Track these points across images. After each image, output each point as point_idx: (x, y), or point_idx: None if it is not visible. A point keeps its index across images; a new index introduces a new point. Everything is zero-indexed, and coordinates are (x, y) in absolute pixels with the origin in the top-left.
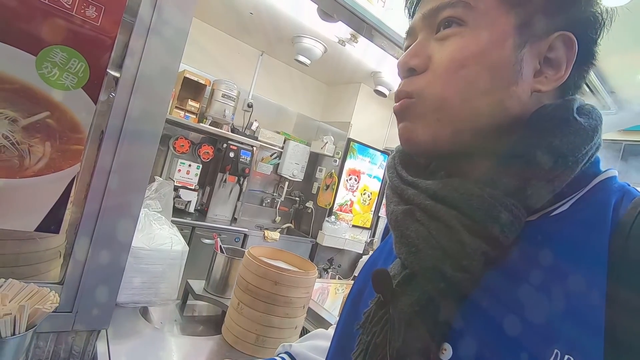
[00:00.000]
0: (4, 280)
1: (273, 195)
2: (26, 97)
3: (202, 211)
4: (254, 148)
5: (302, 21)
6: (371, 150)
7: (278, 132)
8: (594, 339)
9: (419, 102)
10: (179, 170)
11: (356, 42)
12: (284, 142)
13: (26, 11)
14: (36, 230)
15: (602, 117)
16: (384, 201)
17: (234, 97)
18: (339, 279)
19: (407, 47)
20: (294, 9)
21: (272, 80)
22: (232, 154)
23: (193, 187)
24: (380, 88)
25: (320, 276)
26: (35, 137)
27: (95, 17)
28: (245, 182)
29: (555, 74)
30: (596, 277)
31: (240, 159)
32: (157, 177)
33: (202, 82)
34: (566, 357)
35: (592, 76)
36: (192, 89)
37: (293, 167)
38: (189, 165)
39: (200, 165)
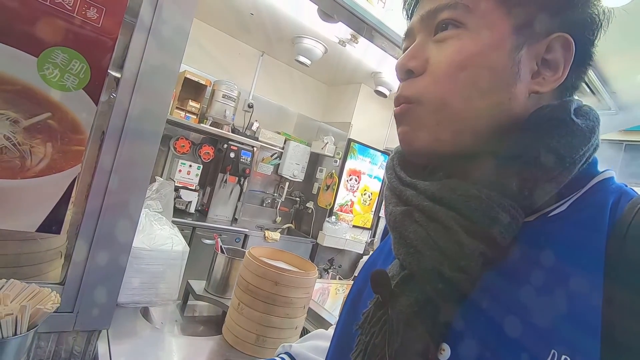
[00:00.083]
0: (5, 280)
1: (273, 195)
2: (27, 98)
3: (202, 211)
4: (255, 148)
5: (303, 22)
6: (372, 151)
7: (278, 133)
8: (591, 339)
9: (418, 107)
10: (180, 171)
11: (356, 43)
12: (285, 143)
13: (27, 13)
14: (37, 230)
15: (600, 118)
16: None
17: (235, 97)
18: (340, 279)
19: (406, 49)
20: (295, 10)
21: (272, 80)
22: (232, 155)
23: (194, 188)
24: (380, 88)
25: (321, 276)
26: (36, 138)
27: (97, 18)
28: (246, 183)
29: (552, 75)
30: (593, 277)
31: (241, 160)
32: (157, 178)
33: (203, 82)
34: (563, 357)
35: (593, 77)
36: (192, 89)
37: (293, 168)
38: (190, 166)
39: (201, 166)
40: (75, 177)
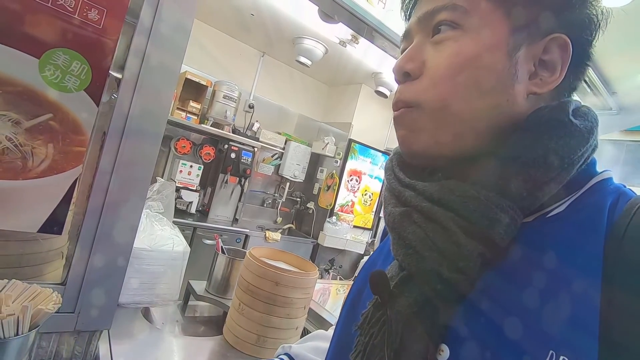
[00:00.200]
0: (7, 281)
1: (274, 196)
2: (29, 99)
3: (203, 212)
4: (255, 149)
5: (303, 22)
6: (372, 151)
7: (279, 133)
8: (588, 340)
9: (417, 111)
10: (181, 171)
11: (357, 43)
12: (285, 143)
13: (29, 14)
14: (39, 231)
15: (599, 119)
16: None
17: (235, 98)
18: (340, 279)
19: (404, 50)
20: (295, 10)
21: (273, 81)
22: (233, 155)
23: (194, 188)
24: (381, 89)
25: (322, 277)
26: (38, 139)
27: (98, 19)
28: (247, 183)
29: (550, 76)
30: (591, 278)
31: (242, 160)
32: (158, 178)
33: (204, 83)
34: (561, 357)
35: (593, 77)
36: (193, 90)
37: (294, 168)
38: (191, 166)
39: (202, 166)
40: (77, 177)
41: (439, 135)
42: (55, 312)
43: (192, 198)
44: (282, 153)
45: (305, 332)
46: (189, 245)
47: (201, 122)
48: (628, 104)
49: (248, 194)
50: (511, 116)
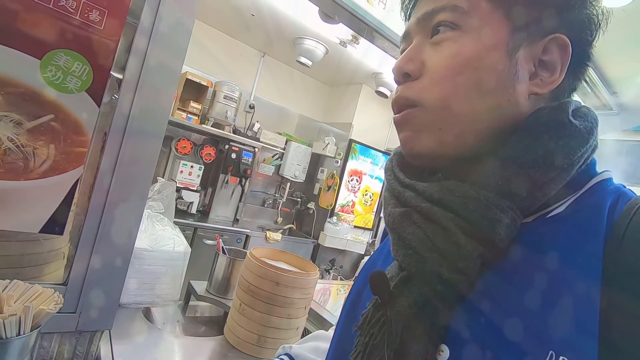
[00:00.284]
0: (8, 281)
1: (275, 196)
2: (31, 100)
3: (204, 212)
4: (256, 149)
5: (304, 23)
6: (373, 151)
7: (280, 133)
8: (588, 340)
9: (419, 110)
10: (181, 172)
11: (357, 44)
12: (286, 143)
13: (31, 15)
14: (40, 231)
15: (598, 119)
16: (383, 203)
17: (236, 98)
18: (341, 279)
19: (403, 51)
20: (296, 11)
21: (273, 81)
22: (234, 155)
23: (195, 188)
24: (381, 89)
25: (322, 277)
26: (39, 140)
27: (99, 20)
28: (247, 183)
29: (550, 76)
30: (591, 278)
31: (242, 160)
32: (159, 178)
33: (204, 83)
34: (561, 358)
35: (594, 77)
36: (194, 90)
37: (295, 168)
38: (191, 167)
39: (202, 167)
40: (78, 178)
41: (441, 136)
42: (57, 313)
43: (193, 198)
44: (283, 153)
45: (306, 332)
46: (190, 246)
47: (202, 122)
48: (629, 103)
49: (249, 194)
50: (512, 116)
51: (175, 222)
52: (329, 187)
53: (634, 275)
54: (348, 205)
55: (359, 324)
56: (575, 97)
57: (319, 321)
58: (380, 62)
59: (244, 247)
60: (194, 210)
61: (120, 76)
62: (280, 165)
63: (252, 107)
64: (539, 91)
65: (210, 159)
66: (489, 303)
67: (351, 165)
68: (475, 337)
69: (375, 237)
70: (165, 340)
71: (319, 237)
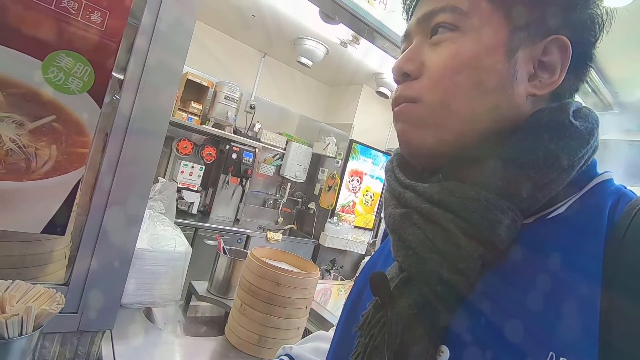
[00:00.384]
0: (10, 281)
1: (275, 196)
2: (33, 101)
3: (204, 212)
4: (257, 149)
5: (304, 23)
6: (373, 152)
7: (280, 134)
8: (588, 341)
9: (418, 105)
10: (182, 172)
11: (358, 44)
12: (286, 144)
13: (32, 17)
14: (42, 232)
15: (599, 120)
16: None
17: (237, 98)
18: (342, 280)
19: (404, 51)
20: (296, 11)
21: (274, 81)
22: (234, 156)
23: (196, 189)
24: (382, 89)
25: (323, 277)
26: (41, 141)
27: (100, 22)
28: (248, 184)
29: (549, 77)
30: (591, 279)
31: (243, 161)
32: (160, 179)
33: (205, 84)
34: (561, 359)
35: (595, 77)
36: (194, 90)
37: (295, 169)
38: (192, 167)
39: (203, 167)
40: (79, 178)
41: (438, 133)
42: (59, 313)
43: (194, 198)
44: (283, 153)
45: (306, 332)
46: (190, 246)
47: (202, 122)
48: (629, 103)
49: (249, 194)
50: (511, 117)
51: (176, 223)
52: (330, 188)
53: (635, 276)
54: (348, 205)
55: (359, 325)
56: (576, 97)
57: (320, 321)
58: (381, 63)
59: (244, 248)
60: (194, 210)
61: (121, 77)
62: (280, 165)
63: (252, 107)
64: (538, 92)
65: (210, 159)
66: (489, 304)
67: (352, 165)
68: (476, 338)
69: (375, 237)
70: (166, 340)
71: (320, 237)
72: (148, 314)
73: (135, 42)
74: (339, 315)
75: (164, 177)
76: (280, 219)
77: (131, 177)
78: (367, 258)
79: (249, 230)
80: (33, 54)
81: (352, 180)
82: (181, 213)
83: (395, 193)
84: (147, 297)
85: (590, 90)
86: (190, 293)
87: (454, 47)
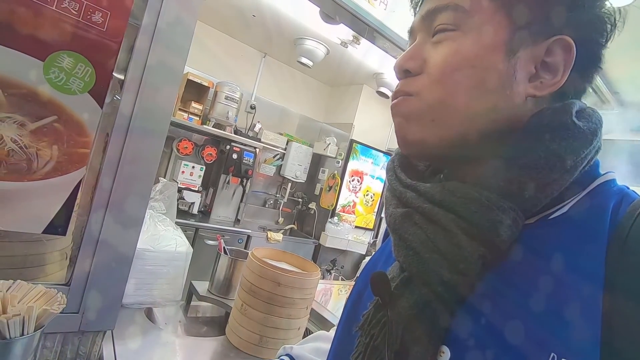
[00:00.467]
0: (12, 281)
1: (276, 196)
2: (34, 101)
3: (205, 212)
4: (257, 149)
5: (305, 23)
6: (374, 152)
7: (281, 134)
8: (590, 343)
9: (416, 100)
10: (183, 172)
11: (358, 44)
12: (287, 144)
13: (34, 18)
14: (44, 232)
15: (603, 120)
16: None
17: (237, 99)
18: (342, 280)
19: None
20: (296, 11)
21: (274, 81)
22: (235, 156)
23: (196, 189)
24: (382, 89)
25: (323, 277)
26: (42, 141)
27: (101, 22)
28: (248, 184)
29: (552, 78)
30: (593, 280)
31: (243, 161)
32: (161, 179)
33: (205, 84)
34: (562, 359)
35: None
36: (195, 91)
37: (296, 169)
38: (193, 167)
39: (204, 167)
40: (81, 179)
41: (434, 128)
42: (60, 313)
43: (194, 199)
44: (284, 154)
45: (307, 332)
46: (191, 246)
47: (203, 123)
48: (630, 103)
49: (250, 194)
50: (509, 118)
51: (176, 223)
52: (330, 188)
53: (637, 277)
54: (349, 205)
55: (359, 325)
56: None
57: (321, 321)
58: (381, 63)
59: (245, 248)
60: (195, 210)
61: (121, 77)
62: (281, 165)
63: (253, 107)
64: (538, 93)
65: (211, 160)
66: (490, 304)
67: (352, 165)
68: (476, 338)
69: (376, 237)
70: (167, 340)
71: (320, 237)
72: (149, 314)
73: (136, 42)
74: (340, 315)
75: (164, 178)
76: (281, 219)
77: (132, 177)
78: (367, 258)
79: (250, 231)
80: (34, 54)
81: (352, 181)
82: (182, 213)
83: (397, 193)
84: (148, 297)
85: (590, 90)
86: (191, 293)
87: (454, 46)
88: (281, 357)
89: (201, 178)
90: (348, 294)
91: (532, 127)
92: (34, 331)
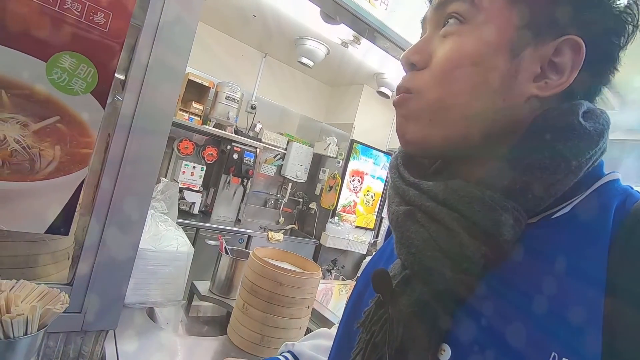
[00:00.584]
0: (15, 281)
1: (276, 196)
2: (37, 102)
3: (206, 212)
4: (258, 149)
5: (305, 23)
6: (374, 152)
7: (281, 134)
8: (591, 343)
9: (415, 99)
10: (184, 172)
11: (359, 44)
12: (287, 144)
13: (36, 18)
14: (46, 232)
15: (610, 122)
16: (387, 200)
17: (238, 99)
18: (343, 279)
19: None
20: (297, 11)
21: (275, 82)
22: (235, 156)
23: (197, 189)
24: (382, 89)
25: (324, 277)
26: (45, 141)
27: (104, 23)
28: (249, 184)
29: (558, 79)
30: (595, 281)
31: (244, 161)
32: (162, 179)
33: (206, 84)
34: (563, 359)
35: None
36: (196, 91)
37: (296, 169)
38: (193, 167)
39: (204, 167)
40: (83, 179)
41: (432, 128)
42: (62, 312)
43: (195, 199)
44: (284, 154)
45: (308, 331)
46: (192, 246)
47: (204, 123)
48: (631, 103)
49: (250, 194)
50: (509, 118)
51: (177, 223)
52: (331, 188)
53: (639, 277)
54: (350, 205)
55: (361, 321)
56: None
57: (322, 321)
58: (382, 63)
59: (245, 248)
60: (196, 210)
61: (122, 77)
62: (281, 165)
63: (253, 107)
64: (541, 94)
65: (212, 160)
66: (491, 303)
67: (353, 165)
68: (477, 337)
69: (376, 237)
70: (169, 340)
71: (321, 237)
72: (150, 313)
73: (138, 42)
74: (340, 314)
75: (165, 178)
76: (282, 219)
77: (134, 177)
78: (368, 258)
79: (250, 231)
80: (37, 55)
81: (353, 180)
82: (182, 213)
83: (399, 190)
84: (150, 297)
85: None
86: (192, 293)
87: (458, 42)
88: (283, 354)
89: (202, 178)
90: (349, 294)
91: (538, 127)
92: (37, 330)
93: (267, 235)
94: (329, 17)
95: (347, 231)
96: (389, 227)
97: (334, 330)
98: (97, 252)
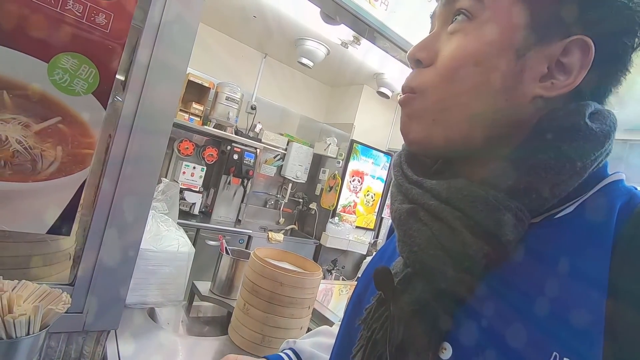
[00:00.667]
0: (17, 281)
1: (277, 196)
2: (38, 102)
3: (206, 213)
4: (258, 150)
5: (305, 24)
6: (374, 152)
7: (281, 134)
8: (593, 343)
9: (419, 99)
10: (184, 173)
11: (359, 44)
12: (288, 144)
13: (38, 19)
14: (48, 232)
15: (617, 123)
16: (387, 202)
17: (238, 99)
18: (343, 280)
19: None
20: (297, 12)
21: (275, 82)
22: (236, 156)
23: (197, 189)
24: (383, 89)
25: (324, 277)
26: (47, 142)
27: (105, 24)
28: (249, 184)
29: (565, 79)
30: (597, 281)
31: (244, 161)
32: (163, 179)
33: (206, 85)
34: (564, 359)
35: None
36: (196, 91)
37: (296, 169)
38: (194, 168)
39: (205, 168)
40: (85, 179)
41: (435, 128)
42: (64, 313)
43: (195, 199)
44: (285, 154)
45: (309, 331)
46: (193, 246)
47: (204, 123)
48: (631, 102)
49: (250, 195)
50: (512, 118)
51: (178, 223)
52: (331, 188)
53: None
54: (350, 205)
55: (362, 318)
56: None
57: (322, 320)
58: (382, 63)
59: (246, 248)
60: (196, 211)
61: (122, 78)
62: (282, 166)
63: (253, 108)
64: (546, 94)
65: (212, 160)
66: (492, 303)
67: (353, 165)
68: (478, 336)
69: (377, 237)
70: (169, 340)
71: (321, 237)
72: (151, 314)
73: (139, 42)
74: (341, 314)
75: (165, 178)
76: (282, 220)
77: (135, 178)
78: (368, 258)
79: (251, 231)
80: (38, 56)
81: (353, 181)
82: (183, 214)
83: (402, 188)
84: (151, 298)
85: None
86: (192, 293)
87: (464, 39)
88: (285, 351)
89: (202, 179)
90: (349, 294)
91: (543, 128)
92: (40, 331)
93: (268, 235)
94: (329, 17)
95: (347, 231)
96: (391, 226)
97: (335, 328)
98: (99, 252)
